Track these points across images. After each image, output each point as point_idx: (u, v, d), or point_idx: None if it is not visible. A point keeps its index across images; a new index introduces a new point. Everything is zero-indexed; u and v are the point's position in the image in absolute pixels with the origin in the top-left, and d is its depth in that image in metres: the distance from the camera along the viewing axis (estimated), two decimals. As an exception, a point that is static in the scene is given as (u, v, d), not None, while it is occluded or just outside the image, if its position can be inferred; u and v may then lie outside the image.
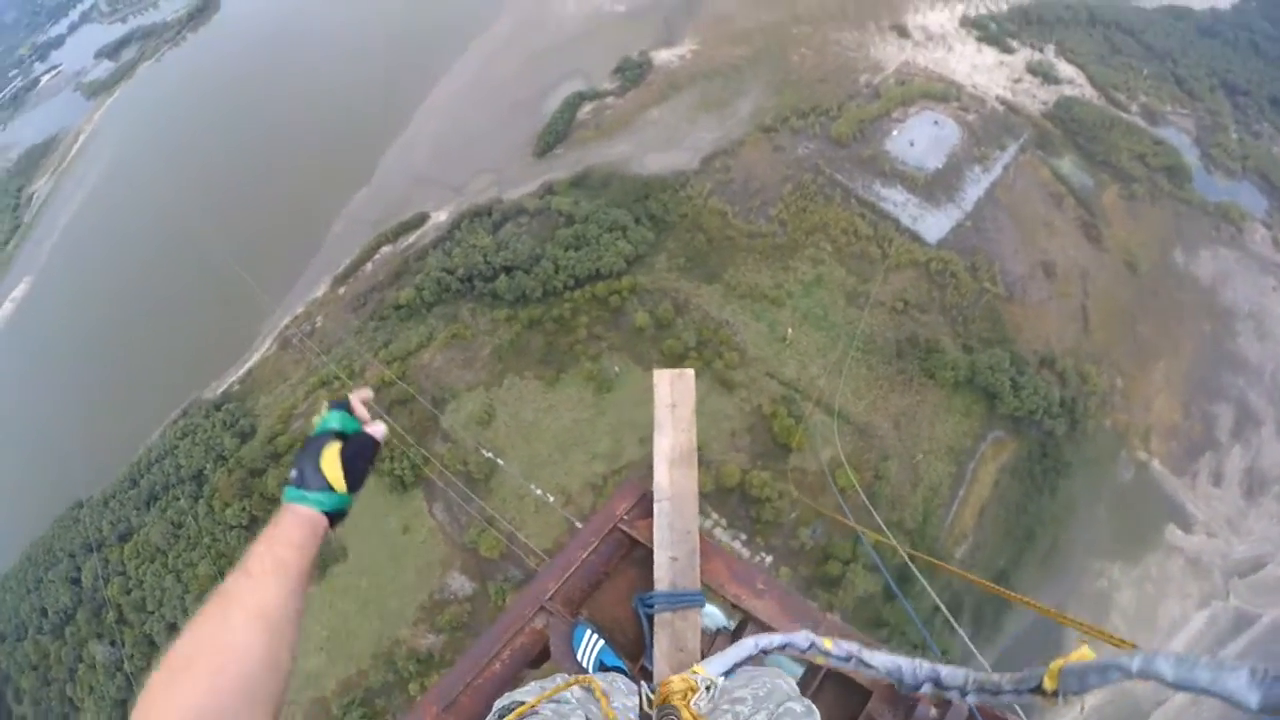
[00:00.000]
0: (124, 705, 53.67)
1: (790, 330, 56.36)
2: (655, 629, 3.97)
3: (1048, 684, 2.09)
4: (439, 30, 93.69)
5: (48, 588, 61.12)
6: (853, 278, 59.15)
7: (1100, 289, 63.03)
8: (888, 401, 54.56)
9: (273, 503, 53.50)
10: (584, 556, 4.58)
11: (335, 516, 2.83)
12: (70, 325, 79.56)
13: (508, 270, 60.42)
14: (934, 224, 62.19)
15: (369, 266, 69.11)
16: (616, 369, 54.65)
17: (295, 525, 2.66)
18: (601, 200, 65.74)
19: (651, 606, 4.03)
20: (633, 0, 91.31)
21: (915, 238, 61.46)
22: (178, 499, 58.10)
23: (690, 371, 4.78)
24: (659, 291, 58.75)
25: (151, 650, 54.23)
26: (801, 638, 3.09)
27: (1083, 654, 2.07)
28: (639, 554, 4.61)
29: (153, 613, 54.57)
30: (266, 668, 2.13)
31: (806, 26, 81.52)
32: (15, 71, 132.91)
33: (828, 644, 3.11)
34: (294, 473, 2.82)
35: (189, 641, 2.09)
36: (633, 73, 79.22)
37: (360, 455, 3.00)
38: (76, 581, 60.10)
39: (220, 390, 65.60)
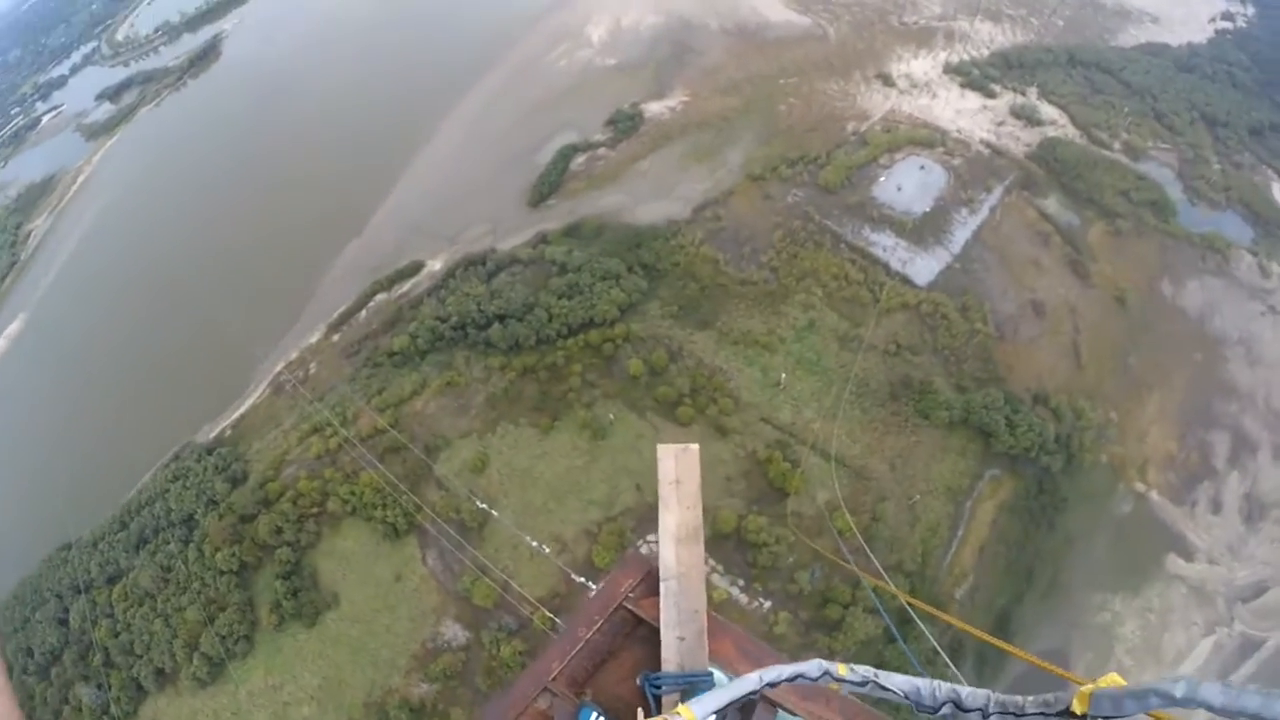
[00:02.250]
0: None
1: (784, 375, 56.86)
2: (663, 709, 3.90)
3: (1077, 707, 2.10)
4: (434, 84, 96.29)
5: (35, 628, 60.63)
6: (845, 322, 59.83)
7: (1090, 324, 63.61)
8: (883, 443, 54.79)
9: (263, 549, 51.94)
10: (588, 635, 4.51)
11: None
12: (63, 364, 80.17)
13: (501, 318, 61.20)
14: (923, 267, 63.08)
15: (363, 314, 70.04)
16: (611, 416, 55.06)
17: None
18: (594, 249, 66.87)
19: (659, 687, 3.97)
20: (624, 53, 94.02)
21: (905, 281, 62.33)
22: (168, 543, 58.07)
23: (695, 447, 4.72)
24: (652, 339, 59.40)
25: (139, 694, 53.69)
26: (814, 666, 3.13)
27: (1113, 679, 2.12)
28: (644, 631, 4.54)
29: (140, 656, 54.11)
30: None
31: (794, 77, 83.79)
32: (17, 110, 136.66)
33: (842, 670, 3.20)
34: None
35: None
36: (624, 124, 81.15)
37: None
38: (64, 622, 59.71)
39: (213, 434, 65.83)
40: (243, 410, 66.84)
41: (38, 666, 59.22)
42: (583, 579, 48.87)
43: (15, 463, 74.12)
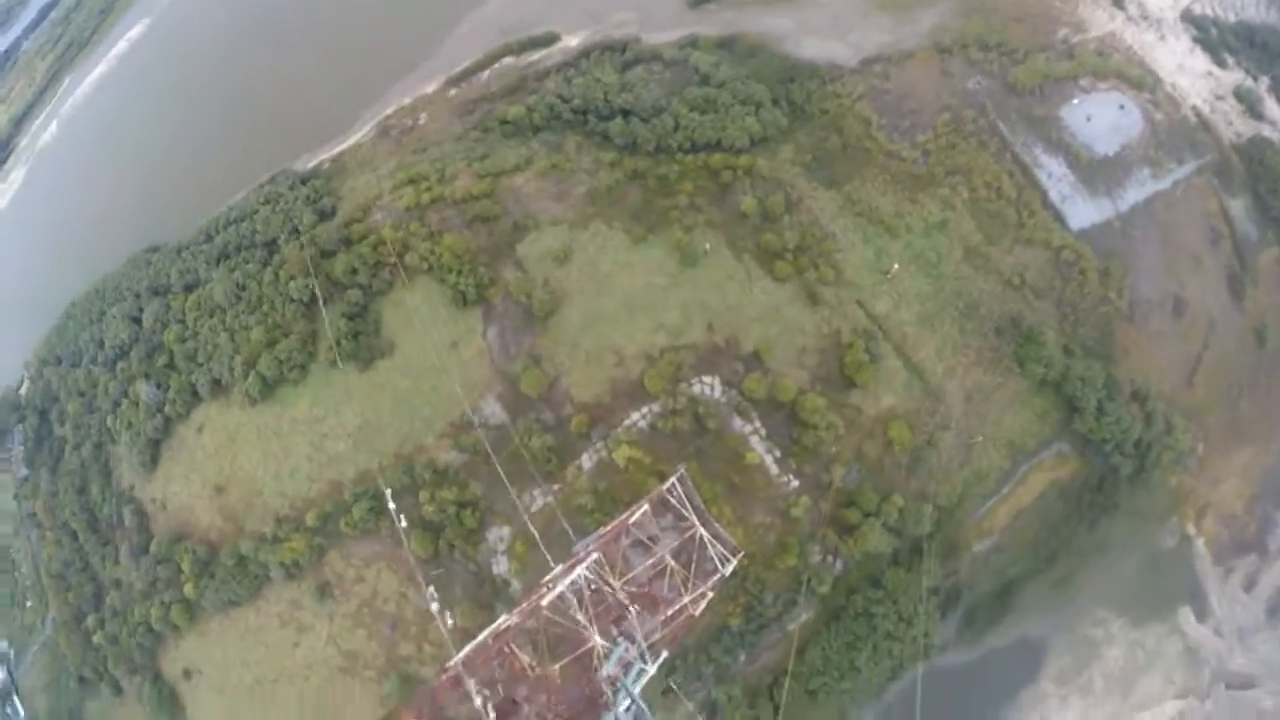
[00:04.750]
0: (157, 445, 56.16)
1: (896, 266, 51.91)
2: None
3: None
4: None
5: (109, 322, 63.36)
6: (979, 235, 54.15)
7: (1221, 346, 57.86)
8: (968, 373, 50.65)
9: (335, 286, 50.62)
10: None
11: None
12: (179, 69, 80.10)
13: (625, 113, 56.61)
14: (1082, 211, 56.40)
15: (486, 75, 65.36)
16: (707, 246, 50.80)
17: None
18: (744, 69, 60.34)
19: None
20: None
21: (1058, 218, 55.94)
22: (247, 262, 58.29)
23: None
24: (774, 181, 54.15)
25: (193, 399, 55.93)
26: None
27: None
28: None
29: (201, 364, 55.76)
30: None
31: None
32: None
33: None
34: None
35: None
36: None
37: None
38: (137, 321, 61.81)
39: (310, 165, 64.44)
40: (344, 147, 64.71)
41: (106, 358, 62.31)
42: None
43: (124, 157, 76.37)
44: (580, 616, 31.92)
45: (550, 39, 65.69)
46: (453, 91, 64.09)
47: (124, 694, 55.97)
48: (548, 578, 43.88)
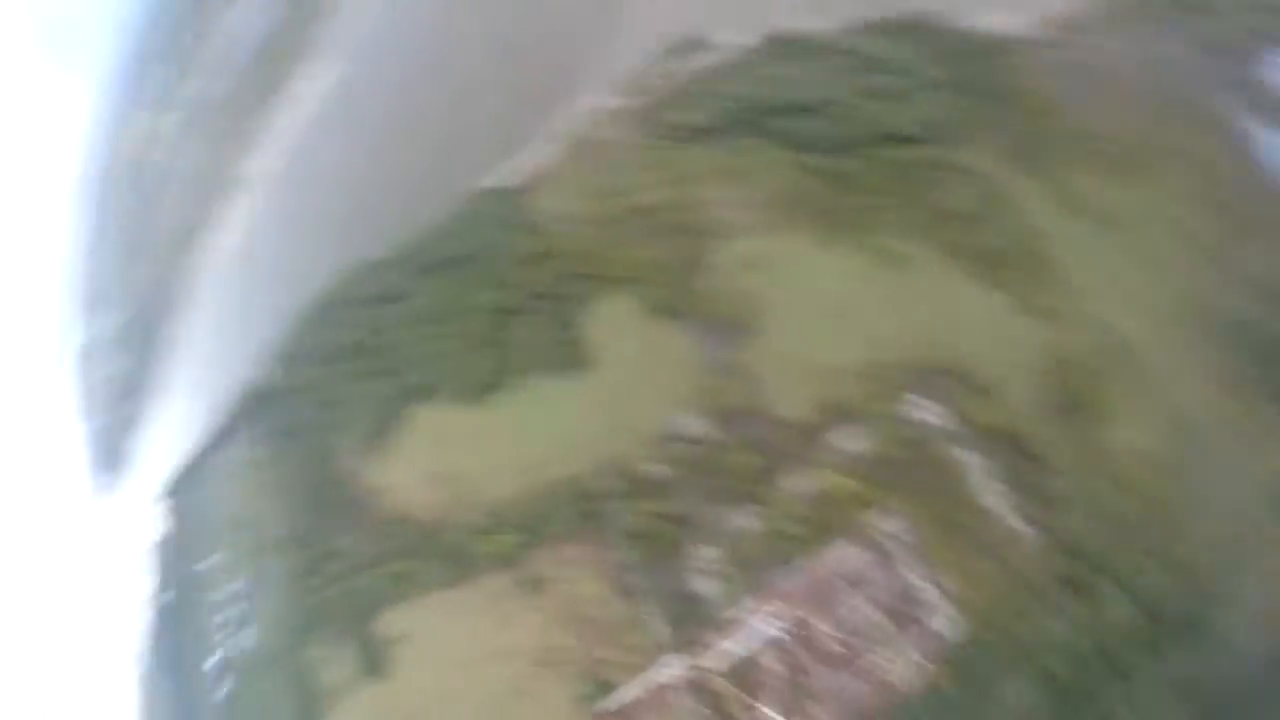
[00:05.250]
0: (380, 434, 57.58)
1: (1121, 267, 45.85)
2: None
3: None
4: None
5: (337, 324, 65.95)
6: (1213, 229, 47.35)
7: None
8: (1223, 404, 43.50)
9: (537, 297, 50.96)
10: None
11: None
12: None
13: (804, 110, 52.28)
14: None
15: (659, 81, 61.66)
16: (911, 250, 46.11)
17: None
18: (918, 51, 54.54)
19: None
20: None
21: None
22: (451, 275, 58.72)
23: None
24: (970, 173, 48.82)
25: (410, 398, 56.70)
26: None
27: None
28: None
29: (416, 367, 57.18)
30: None
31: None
32: None
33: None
34: None
35: None
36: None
37: None
38: (360, 325, 63.31)
39: (505, 181, 63.51)
40: (533, 161, 63.11)
41: (337, 356, 64.31)
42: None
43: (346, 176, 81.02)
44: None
45: (717, 38, 61.74)
46: (630, 101, 61.76)
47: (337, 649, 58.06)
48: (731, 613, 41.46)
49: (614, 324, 50.01)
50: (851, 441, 43.18)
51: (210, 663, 71.15)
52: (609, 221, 53.16)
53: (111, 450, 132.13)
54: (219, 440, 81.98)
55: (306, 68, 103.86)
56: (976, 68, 53.15)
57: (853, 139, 50.50)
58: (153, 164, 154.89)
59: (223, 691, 69.96)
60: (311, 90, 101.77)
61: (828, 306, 45.59)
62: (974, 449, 42.29)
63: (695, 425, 46.09)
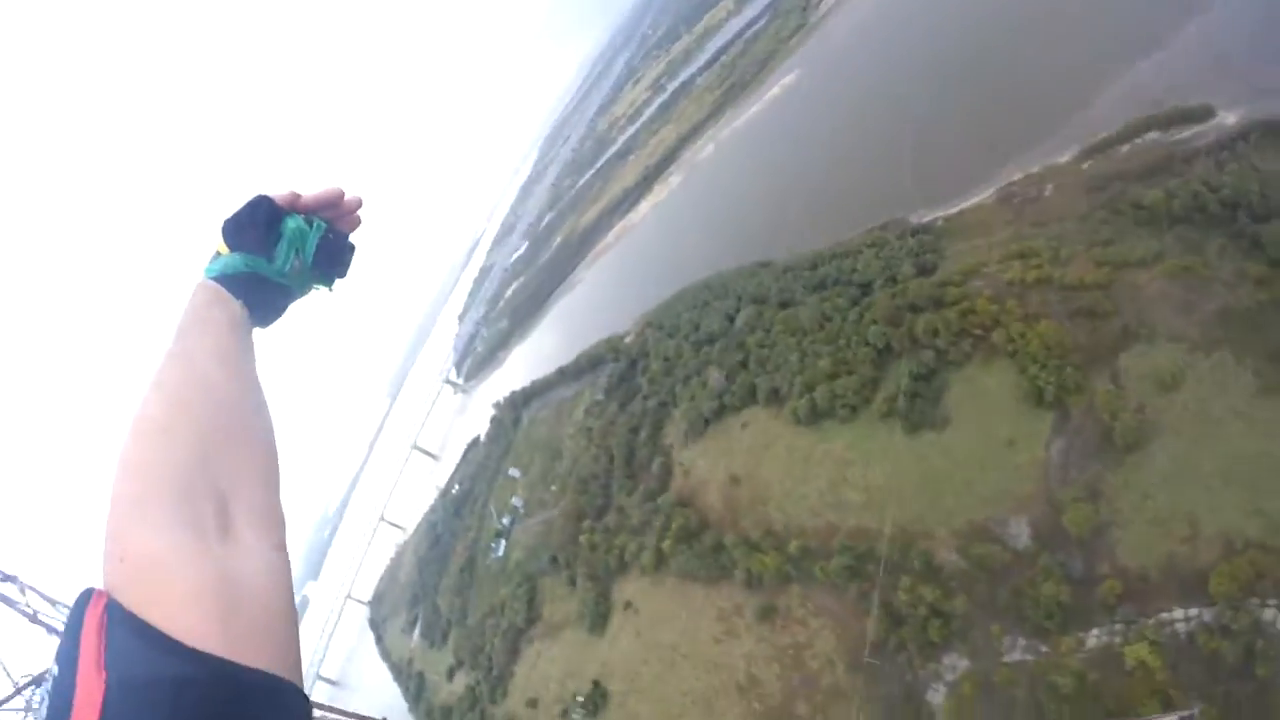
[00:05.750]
0: (705, 423, 64.29)
1: None
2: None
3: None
4: None
5: (709, 312, 76.72)
6: None
7: None
8: None
9: (913, 343, 47.45)
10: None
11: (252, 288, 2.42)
12: (817, 114, 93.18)
13: None
14: None
15: (1125, 149, 55.40)
16: None
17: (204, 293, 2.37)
18: None
19: None
20: None
21: None
22: (839, 296, 61.52)
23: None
24: None
25: (749, 399, 62.34)
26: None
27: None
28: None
29: (768, 373, 61.35)
30: (246, 408, 2.02)
31: None
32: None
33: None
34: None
35: (157, 401, 1.90)
36: None
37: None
38: (730, 319, 72.55)
39: (924, 220, 64.63)
40: (961, 207, 62.79)
41: (695, 340, 74.35)
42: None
43: (757, 182, 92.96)
44: None
45: (1204, 114, 52.22)
46: (1086, 164, 56.13)
47: (574, 590, 67.58)
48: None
49: (985, 396, 46.47)
50: (1184, 622, 34.84)
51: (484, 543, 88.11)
52: (1020, 287, 49.39)
53: (476, 359, 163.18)
54: (561, 376, 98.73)
55: (777, 74, 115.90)
56: None
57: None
58: (611, 139, 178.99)
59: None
60: (770, 92, 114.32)
61: (1231, 460, 36.25)
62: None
63: (1020, 533, 41.00)
